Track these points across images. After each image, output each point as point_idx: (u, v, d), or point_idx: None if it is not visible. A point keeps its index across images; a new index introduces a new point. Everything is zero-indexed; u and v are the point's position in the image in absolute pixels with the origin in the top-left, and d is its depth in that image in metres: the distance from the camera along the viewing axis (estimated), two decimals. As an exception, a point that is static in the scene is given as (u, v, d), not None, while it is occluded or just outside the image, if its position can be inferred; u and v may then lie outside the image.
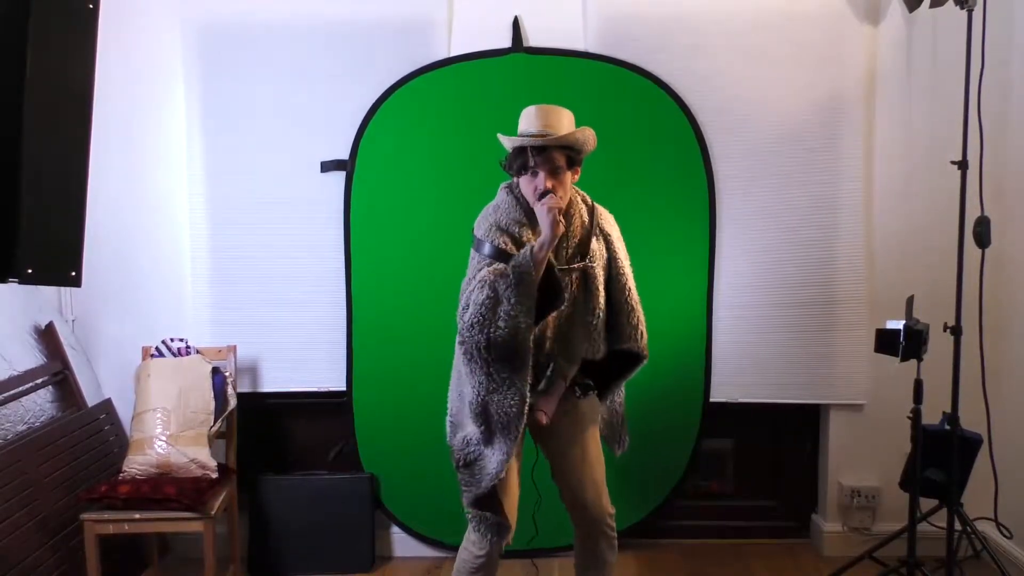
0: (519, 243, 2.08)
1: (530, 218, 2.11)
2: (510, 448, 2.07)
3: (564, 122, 2.10)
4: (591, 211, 2.21)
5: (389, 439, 3.06)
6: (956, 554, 2.64)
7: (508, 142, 2.12)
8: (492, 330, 1.98)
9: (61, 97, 1.43)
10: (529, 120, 2.10)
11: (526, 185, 2.09)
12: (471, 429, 2.14)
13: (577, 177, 2.16)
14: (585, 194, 2.25)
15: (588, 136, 2.11)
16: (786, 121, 2.99)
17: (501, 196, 2.19)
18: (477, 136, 2.88)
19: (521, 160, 2.08)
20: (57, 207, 1.46)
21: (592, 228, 2.18)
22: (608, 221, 2.26)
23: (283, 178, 3.02)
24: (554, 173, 2.05)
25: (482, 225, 2.14)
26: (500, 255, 2.05)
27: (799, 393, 3.10)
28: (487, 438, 2.11)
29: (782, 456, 3.31)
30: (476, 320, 1.99)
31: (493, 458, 2.10)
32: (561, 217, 2.01)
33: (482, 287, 2.00)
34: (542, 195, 2.03)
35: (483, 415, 2.07)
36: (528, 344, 2.00)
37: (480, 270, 2.06)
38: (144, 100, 3.05)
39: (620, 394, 2.38)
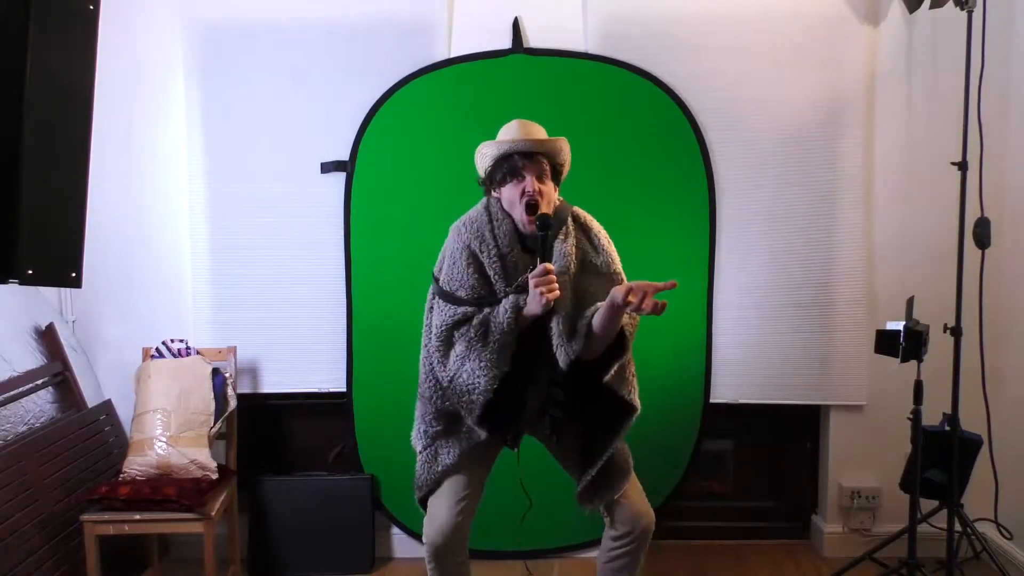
0: (479, 265, 2.08)
1: (495, 236, 2.09)
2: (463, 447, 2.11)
3: (542, 135, 2.15)
4: (583, 229, 2.18)
5: (389, 440, 3.05)
6: (956, 555, 2.64)
7: (495, 147, 2.11)
8: (455, 377, 2.04)
9: (61, 97, 1.43)
10: (511, 131, 2.14)
11: (511, 192, 2.09)
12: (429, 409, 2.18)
13: (556, 193, 2.17)
14: (585, 215, 2.21)
15: (565, 145, 2.16)
16: (786, 122, 2.99)
17: (475, 209, 2.18)
18: (477, 137, 2.83)
19: (507, 166, 2.09)
20: (57, 208, 1.45)
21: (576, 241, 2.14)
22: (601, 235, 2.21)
23: (283, 178, 3.02)
24: (540, 178, 2.07)
25: (444, 258, 2.16)
26: (452, 300, 2.08)
27: (799, 394, 3.10)
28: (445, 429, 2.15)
29: (782, 456, 3.31)
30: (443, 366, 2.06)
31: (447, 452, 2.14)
32: (552, 297, 1.94)
33: (448, 339, 2.05)
34: (530, 207, 2.03)
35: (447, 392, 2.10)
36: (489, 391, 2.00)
37: (447, 316, 2.07)
38: (144, 100, 3.05)
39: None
